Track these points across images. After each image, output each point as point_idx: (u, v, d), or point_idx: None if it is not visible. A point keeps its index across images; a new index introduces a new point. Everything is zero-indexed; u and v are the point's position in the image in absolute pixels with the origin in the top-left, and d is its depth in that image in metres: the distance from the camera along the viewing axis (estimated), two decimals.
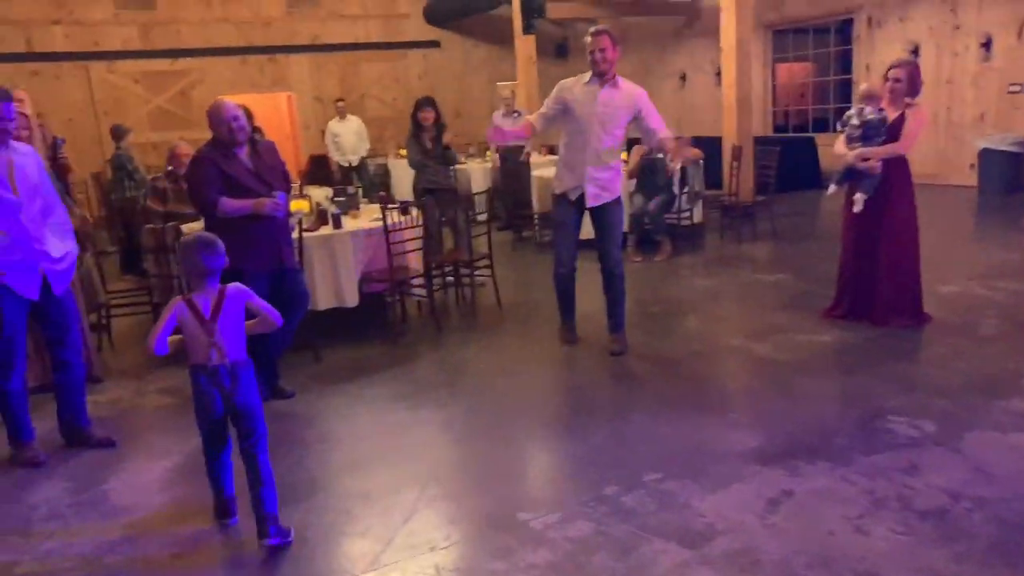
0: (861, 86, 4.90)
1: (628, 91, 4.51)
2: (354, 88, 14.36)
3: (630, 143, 8.31)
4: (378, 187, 10.62)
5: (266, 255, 4.13)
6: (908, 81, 4.62)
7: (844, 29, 11.63)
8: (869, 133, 4.63)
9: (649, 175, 7.33)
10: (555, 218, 4.84)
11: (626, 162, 7.76)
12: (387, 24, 14.74)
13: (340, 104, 11.12)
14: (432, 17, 15.07)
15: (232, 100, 4.23)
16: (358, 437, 3.84)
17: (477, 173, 10.02)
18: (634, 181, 7.41)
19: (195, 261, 2.81)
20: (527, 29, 11.51)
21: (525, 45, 11.58)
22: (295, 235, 4.62)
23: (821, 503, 2.89)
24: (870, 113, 4.62)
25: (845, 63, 11.75)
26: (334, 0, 14.21)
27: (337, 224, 5.26)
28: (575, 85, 4.52)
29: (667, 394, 4.08)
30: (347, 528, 3.00)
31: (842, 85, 11.92)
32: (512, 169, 8.95)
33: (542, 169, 8.82)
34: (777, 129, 13.00)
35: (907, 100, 4.66)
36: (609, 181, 4.59)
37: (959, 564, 2.47)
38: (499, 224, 9.32)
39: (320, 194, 6.30)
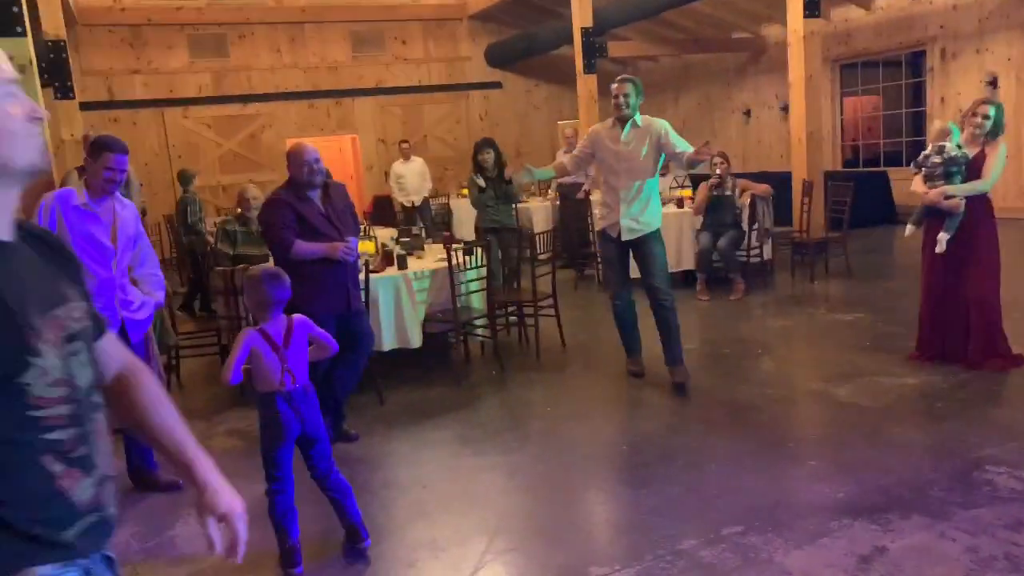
0: (935, 123, 4.69)
1: (647, 124, 4.71)
2: (417, 129, 14.62)
3: (695, 181, 8.20)
4: (440, 227, 10.69)
5: (335, 298, 4.14)
6: (995, 121, 4.42)
7: (915, 61, 11.32)
8: (952, 170, 4.42)
9: (717, 212, 7.17)
10: (602, 254, 5.22)
11: (691, 199, 7.64)
12: (450, 67, 15.03)
13: (405, 146, 11.28)
14: (494, 59, 15.31)
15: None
16: (423, 483, 3.76)
17: (539, 212, 10.00)
18: (700, 219, 7.26)
19: (264, 292, 2.91)
20: (588, 68, 11.55)
21: (586, 84, 11.60)
22: (361, 276, 4.62)
23: (919, 561, 2.67)
24: (953, 150, 4.42)
25: (917, 95, 11.42)
26: (398, 45, 14.59)
27: (403, 265, 5.26)
28: (603, 129, 4.87)
29: (744, 442, 3.88)
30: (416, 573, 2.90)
31: (915, 118, 11.56)
32: (571, 206, 8.90)
33: None
34: (847, 164, 12.67)
35: (986, 139, 4.46)
36: (641, 214, 4.72)
37: None
38: (560, 262, 9.25)
39: (385, 235, 6.35)
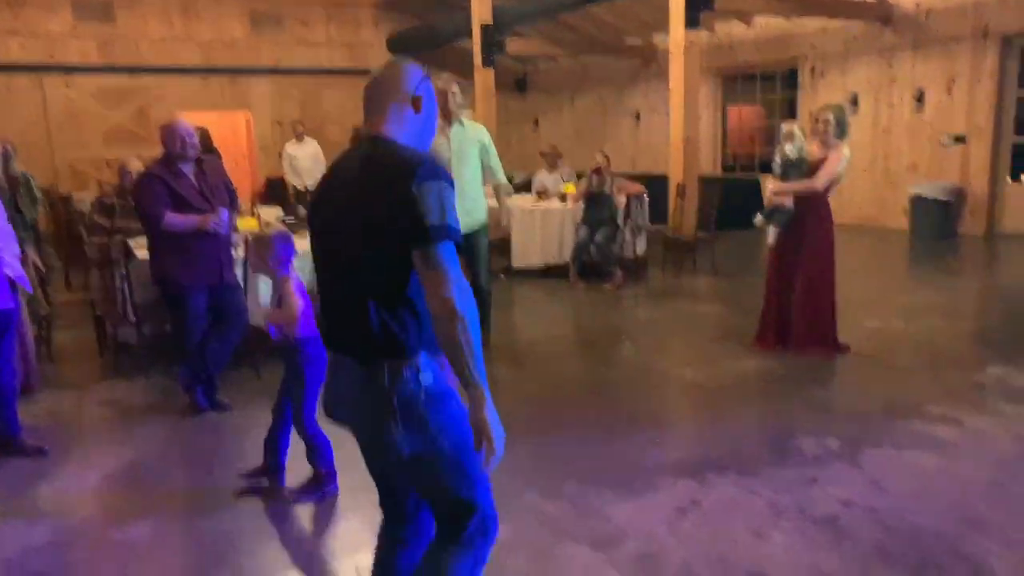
0: (783, 127, 5.19)
1: (471, 126, 5.07)
2: (315, 113, 14.51)
3: (580, 177, 8.62)
4: None
5: (207, 271, 4.24)
6: (836, 123, 4.93)
7: (791, 77, 12.16)
8: (788, 171, 4.93)
9: (595, 209, 7.59)
10: None
11: (573, 195, 8.04)
12: (351, 51, 14.98)
13: (299, 128, 11.24)
14: (396, 47, 15.35)
15: (191, 119, 4.38)
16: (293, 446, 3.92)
17: None
18: (581, 212, 7.66)
19: (280, 251, 3.28)
20: (486, 62, 11.83)
21: (484, 78, 11.87)
22: (240, 253, 4.72)
23: (725, 512, 3.08)
24: (791, 152, 4.92)
25: (792, 109, 12.28)
26: (298, 26, 14.43)
27: None
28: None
29: (595, 414, 4.25)
30: (276, 531, 3.09)
31: None
32: None
33: (493, 199, 9.03)
34: (727, 170, 13.45)
35: (834, 142, 4.97)
36: (472, 210, 4.97)
37: (843, 564, 2.67)
38: None
39: (271, 214, 6.41)
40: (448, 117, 4.91)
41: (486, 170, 5.16)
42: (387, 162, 1.82)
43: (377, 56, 15.23)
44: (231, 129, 14.25)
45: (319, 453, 3.33)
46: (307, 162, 11.03)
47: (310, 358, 3.25)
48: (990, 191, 9.70)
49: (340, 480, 3.35)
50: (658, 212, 9.07)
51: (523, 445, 3.82)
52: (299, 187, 11.09)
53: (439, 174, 1.77)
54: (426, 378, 1.81)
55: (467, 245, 5.06)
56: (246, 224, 5.46)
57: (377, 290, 1.79)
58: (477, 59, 11.89)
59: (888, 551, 2.75)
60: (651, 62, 13.78)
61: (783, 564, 2.70)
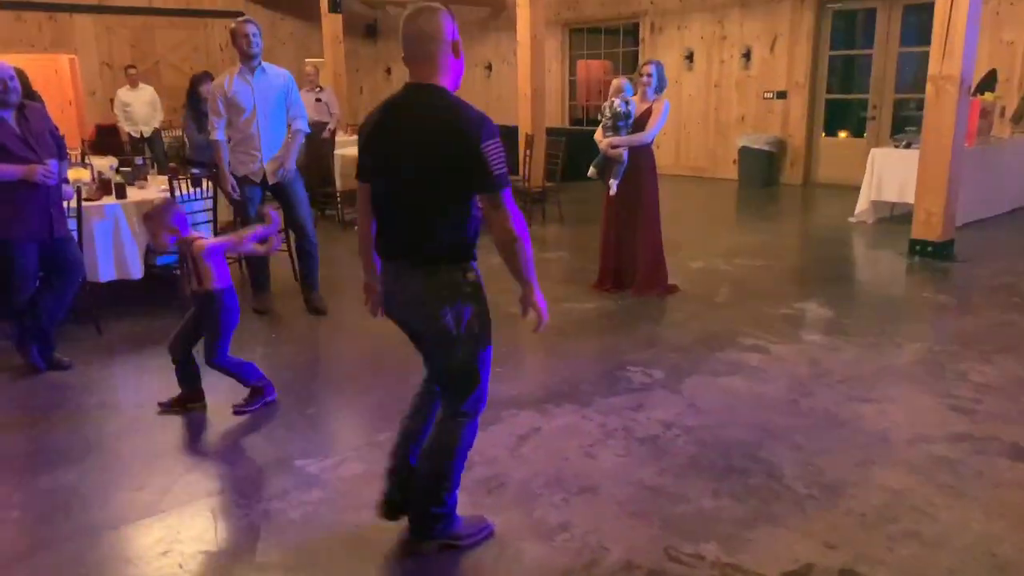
0: (612, 81, 5.50)
1: (272, 71, 4.99)
2: (148, 55, 13.57)
3: None
4: (172, 159, 10.21)
5: (36, 224, 4.03)
6: (657, 78, 5.30)
7: (633, 32, 12.66)
8: (618, 124, 5.26)
9: None
10: (245, 199, 5.06)
11: None
12: None
13: (131, 71, 10.54)
14: None
15: (5, 60, 4.07)
16: (138, 404, 3.88)
17: None
18: None
19: (173, 220, 3.52)
20: (333, 7, 11.50)
21: (332, 23, 11.56)
22: (73, 204, 4.51)
23: (561, 436, 3.39)
24: (618, 106, 5.25)
25: (635, 63, 12.79)
26: None
27: (121, 194, 5.16)
28: (231, 77, 4.90)
29: None
30: (124, 483, 3.10)
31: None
32: (315, 146, 8.98)
33: (346, 148, 8.96)
34: (575, 122, 13.88)
35: (656, 96, 5.34)
36: (286, 158, 5.01)
37: (661, 476, 3.04)
38: None
39: (104, 163, 6.08)
40: (249, 62, 4.85)
41: (288, 115, 5.05)
42: (453, 123, 2.21)
43: None
44: (53, 72, 13.10)
45: (246, 373, 3.75)
46: (143, 108, 10.39)
47: (226, 307, 3.61)
48: (807, 144, 10.65)
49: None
50: (510, 163, 9.32)
51: (377, 388, 3.99)
52: (135, 135, 10.45)
53: (495, 132, 2.23)
54: (471, 276, 2.40)
55: (283, 194, 5.11)
56: (77, 174, 5.17)
57: (442, 216, 2.31)
58: (323, 4, 11.53)
59: (700, 462, 3.15)
60: (501, 12, 13.87)
61: (610, 478, 3.03)
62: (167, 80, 13.49)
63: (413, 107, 2.30)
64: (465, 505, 2.84)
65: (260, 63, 4.89)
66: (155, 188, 5.55)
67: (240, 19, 4.89)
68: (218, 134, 4.96)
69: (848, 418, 3.50)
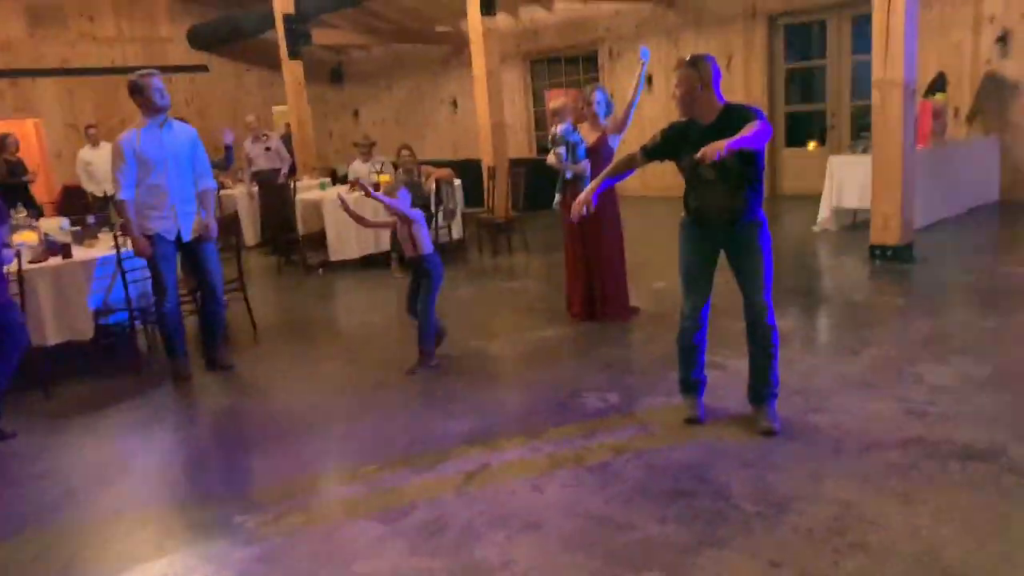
0: (550, 105, 5.51)
1: (177, 124, 4.79)
2: (113, 113, 13.60)
3: (396, 167, 8.68)
4: None
5: None
6: (605, 104, 5.31)
7: (592, 59, 12.77)
8: (557, 146, 5.25)
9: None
10: (159, 256, 4.78)
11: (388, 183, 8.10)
12: (148, 47, 14.17)
13: (92, 131, 10.52)
14: (197, 41, 14.67)
15: None
16: (83, 468, 3.78)
17: (241, 200, 9.94)
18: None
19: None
20: (293, 54, 11.57)
21: (292, 70, 11.61)
22: (11, 268, 4.44)
23: (510, 471, 3.31)
24: (561, 130, 5.25)
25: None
26: (84, 22, 13.46)
27: (67, 254, 5.10)
28: (138, 131, 4.64)
29: (405, 397, 4.38)
30: (53, 556, 2.99)
31: None
32: (272, 192, 8.96)
33: (307, 192, 8.94)
34: (544, 151, 13.93)
35: (606, 121, 5.34)
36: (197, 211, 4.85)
37: (608, 505, 2.96)
38: (268, 250, 9.31)
39: (52, 225, 6.03)
40: (157, 116, 4.62)
41: (195, 173, 4.85)
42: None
43: (177, 52, 14.51)
44: (20, 137, 13.07)
45: (428, 335, 4.70)
46: (104, 167, 10.31)
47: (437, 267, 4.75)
48: (769, 156, 10.68)
49: None
50: (478, 196, 9.32)
51: (329, 433, 3.91)
52: (98, 194, 10.41)
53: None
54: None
55: (197, 254, 4.90)
56: (23, 237, 5.12)
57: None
58: (283, 51, 11.61)
59: (648, 487, 3.07)
60: (463, 49, 13.98)
61: (557, 511, 2.95)
62: None
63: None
64: (403, 552, 2.76)
65: (167, 118, 4.71)
66: (106, 246, 5.49)
67: (144, 72, 4.66)
68: (124, 193, 4.60)
69: (801, 431, 3.44)
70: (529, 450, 3.49)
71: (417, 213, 4.80)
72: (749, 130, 3.07)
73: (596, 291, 5.50)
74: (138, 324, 5.50)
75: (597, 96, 5.30)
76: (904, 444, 3.21)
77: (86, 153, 10.40)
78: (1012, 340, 4.38)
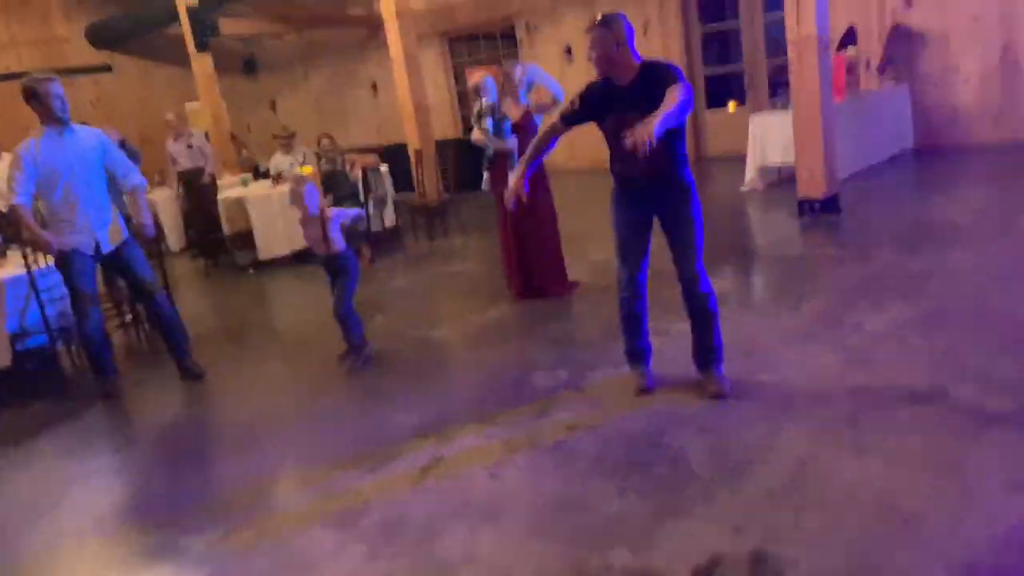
0: (472, 80, 5.41)
1: (83, 130, 4.52)
2: (12, 121, 12.85)
3: (319, 157, 8.44)
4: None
5: None
6: (527, 81, 5.24)
7: (510, 34, 12.63)
8: (494, 119, 5.16)
9: (333, 188, 7.48)
10: (76, 273, 4.48)
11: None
12: (44, 50, 13.40)
13: None
14: (97, 40, 13.96)
15: None
16: (12, 503, 3.56)
17: (165, 203, 9.53)
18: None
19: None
20: (200, 47, 11.11)
21: (202, 64, 11.16)
22: None
23: (465, 461, 3.24)
24: (486, 103, 5.15)
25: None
26: None
27: None
28: (38, 141, 4.35)
29: (348, 395, 4.26)
30: None
31: None
32: (196, 193, 8.62)
33: (229, 191, 8.62)
34: (469, 130, 13.76)
35: (525, 102, 5.26)
36: (115, 219, 4.60)
37: (566, 485, 2.92)
38: (194, 252, 8.96)
39: None
40: (59, 124, 4.33)
41: (114, 175, 4.60)
42: None
43: (76, 52, 13.79)
44: None
45: (353, 329, 4.58)
46: (3, 182, 9.78)
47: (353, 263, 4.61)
48: (692, 119, 10.78)
49: None
50: (407, 180, 9.14)
51: (269, 443, 3.76)
52: (2, 209, 9.83)
53: None
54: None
55: (121, 262, 4.64)
56: None
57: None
58: (190, 44, 11.14)
59: (604, 462, 3.04)
60: (378, 31, 13.64)
61: (515, 498, 2.90)
62: None
63: None
64: (363, 556, 2.67)
65: (69, 124, 4.39)
66: (14, 265, 5.17)
67: (42, 77, 4.35)
68: (20, 198, 4.24)
69: (751, 391, 3.46)
70: (483, 437, 3.43)
71: (337, 212, 4.61)
72: (671, 103, 2.97)
73: (536, 267, 5.45)
74: (59, 345, 5.21)
75: (516, 71, 5.22)
76: (851, 394, 3.26)
77: None
78: (939, 281, 4.50)
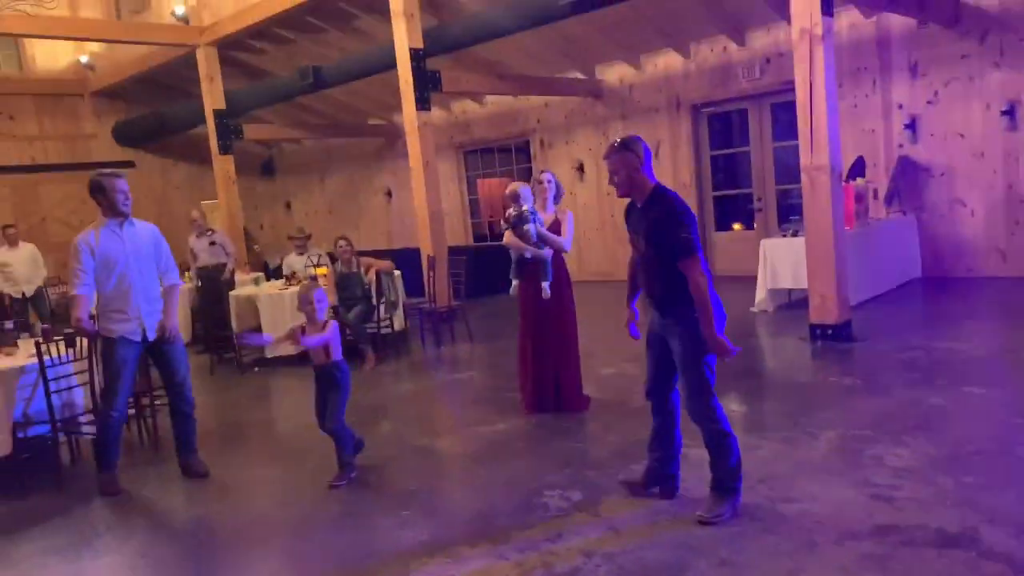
0: (508, 187, 5.38)
1: (139, 223, 4.69)
2: (33, 211, 13.18)
3: (333, 258, 8.54)
4: (60, 317, 9.67)
5: None
6: (555, 185, 5.33)
7: (524, 148, 13.07)
8: (529, 220, 5.08)
9: (346, 289, 7.54)
10: (119, 360, 4.60)
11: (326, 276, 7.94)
12: (71, 145, 13.87)
13: (10, 230, 10.07)
14: (123, 137, 14.46)
15: None
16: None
17: (180, 297, 9.55)
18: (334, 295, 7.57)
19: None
20: (223, 149, 11.48)
21: (223, 165, 11.52)
22: None
23: None
24: (513, 210, 5.13)
25: (528, 178, 13.14)
26: (3, 120, 13.12)
27: None
28: (98, 232, 4.51)
29: (354, 505, 4.13)
30: None
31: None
32: (214, 289, 8.67)
33: (242, 288, 8.68)
34: (479, 238, 14.01)
35: (556, 206, 5.33)
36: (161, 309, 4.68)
37: None
38: (199, 348, 8.92)
39: None
40: (120, 218, 4.53)
41: (159, 270, 4.74)
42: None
43: (102, 148, 14.24)
44: None
45: (346, 444, 4.40)
46: (24, 267, 9.90)
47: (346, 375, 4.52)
48: (702, 240, 10.97)
49: None
50: (417, 285, 9.22)
51: (272, 552, 3.62)
52: (16, 295, 9.90)
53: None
54: None
55: (163, 353, 4.72)
56: None
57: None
58: (214, 146, 11.51)
59: None
60: (396, 140, 14.15)
61: None
62: (55, 235, 13.08)
63: None
64: None
65: (130, 217, 4.61)
66: (24, 354, 5.14)
67: (109, 173, 4.62)
68: (81, 288, 4.45)
69: (772, 522, 3.35)
70: (494, 558, 3.29)
71: (333, 328, 4.53)
72: (698, 298, 3.42)
73: (554, 380, 5.31)
74: (61, 436, 5.10)
75: (547, 177, 5.32)
76: (877, 532, 3.15)
77: (3, 254, 9.94)
78: (961, 417, 4.44)
